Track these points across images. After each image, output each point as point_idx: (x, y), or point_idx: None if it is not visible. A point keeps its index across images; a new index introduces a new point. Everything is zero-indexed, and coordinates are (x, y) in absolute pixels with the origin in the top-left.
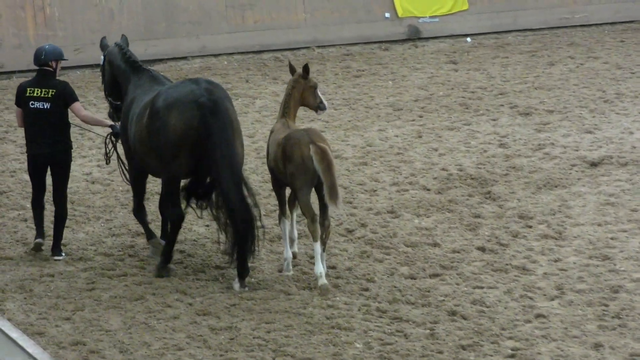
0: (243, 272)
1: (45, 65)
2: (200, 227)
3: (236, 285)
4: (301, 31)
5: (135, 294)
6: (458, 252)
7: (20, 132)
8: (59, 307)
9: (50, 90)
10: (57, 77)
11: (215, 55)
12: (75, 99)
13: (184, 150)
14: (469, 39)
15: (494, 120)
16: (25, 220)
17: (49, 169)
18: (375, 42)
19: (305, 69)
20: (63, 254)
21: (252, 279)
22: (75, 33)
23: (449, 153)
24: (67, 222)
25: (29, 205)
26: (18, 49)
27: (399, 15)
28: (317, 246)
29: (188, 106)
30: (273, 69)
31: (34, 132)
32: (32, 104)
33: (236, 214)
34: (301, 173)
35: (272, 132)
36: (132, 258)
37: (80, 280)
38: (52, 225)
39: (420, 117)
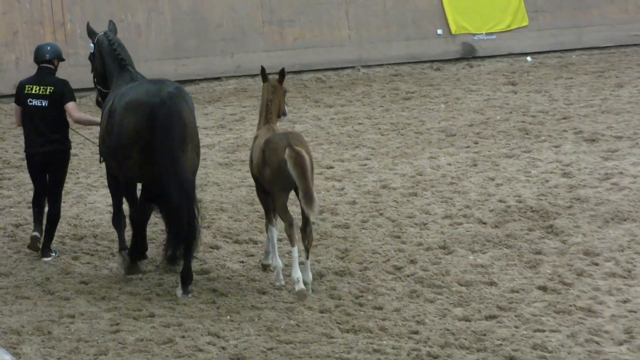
0: (186, 278)
1: (48, 62)
2: (234, 264)
3: (179, 292)
4: (345, 49)
5: (164, 337)
6: (517, 292)
7: None
8: (80, 351)
9: (49, 88)
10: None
11: (251, 76)
12: (71, 99)
13: (134, 151)
14: (529, 58)
15: (557, 147)
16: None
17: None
18: (426, 62)
19: (282, 73)
20: (53, 254)
21: (292, 321)
22: None
23: (507, 183)
24: (90, 259)
25: None
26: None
27: (453, 32)
28: (295, 251)
29: (139, 107)
30: (314, 91)
31: (31, 130)
32: (30, 102)
33: (177, 217)
34: (277, 177)
35: (255, 138)
36: (160, 297)
37: (103, 321)
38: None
39: (476, 143)
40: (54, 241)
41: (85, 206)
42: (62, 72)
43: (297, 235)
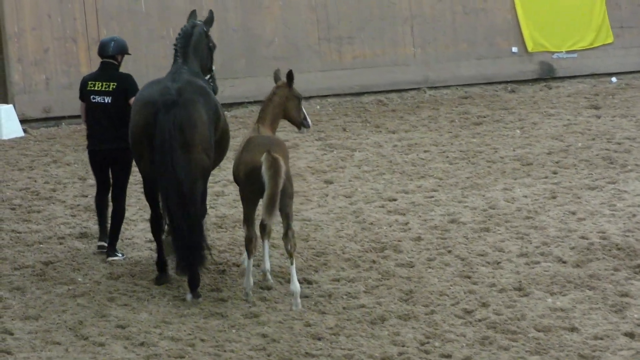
0: (192, 283)
1: (111, 57)
2: (286, 306)
3: (188, 296)
4: (410, 69)
5: None
6: (601, 339)
7: (70, 190)
8: None
9: (112, 84)
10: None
11: (306, 98)
12: (135, 94)
13: (144, 149)
14: (614, 79)
15: None
16: (75, 296)
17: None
18: (499, 82)
19: (289, 76)
20: (119, 255)
21: None
22: (137, 70)
23: (589, 217)
24: (128, 300)
25: (80, 279)
26: (68, 90)
27: (529, 49)
28: (250, 262)
29: (148, 104)
30: (375, 115)
31: (93, 127)
32: (93, 98)
33: (173, 221)
34: (248, 179)
35: (243, 139)
36: (204, 343)
37: None
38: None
39: (555, 173)
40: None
41: (122, 242)
42: None
43: (256, 248)
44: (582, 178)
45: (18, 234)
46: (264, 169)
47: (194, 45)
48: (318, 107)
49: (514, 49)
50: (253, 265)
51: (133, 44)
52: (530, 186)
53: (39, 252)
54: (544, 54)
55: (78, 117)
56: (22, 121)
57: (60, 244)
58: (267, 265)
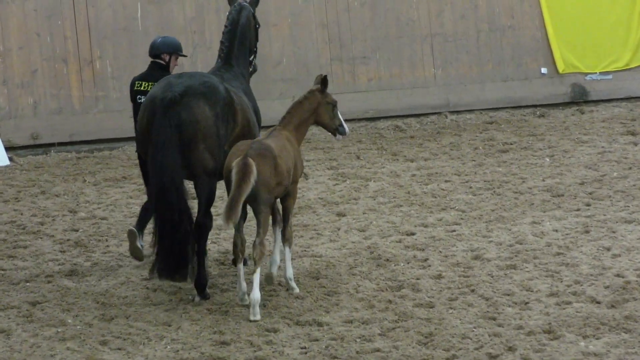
0: (199, 285)
1: (157, 57)
2: (294, 350)
3: (196, 298)
4: (429, 91)
5: None
6: None
7: (59, 223)
8: None
9: None
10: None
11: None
12: None
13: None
14: None
15: None
16: (65, 340)
17: None
18: (527, 106)
19: (324, 81)
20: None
21: None
22: None
23: (626, 254)
24: (122, 344)
25: (70, 321)
26: (57, 115)
27: (560, 71)
28: (240, 267)
29: (150, 103)
30: (392, 142)
31: None
32: (139, 99)
33: (156, 220)
34: (228, 184)
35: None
36: None
37: None
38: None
39: (588, 205)
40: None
41: (116, 280)
42: (90, 119)
43: (243, 253)
44: (617, 211)
45: (3, 272)
46: (233, 173)
47: (241, 35)
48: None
49: (544, 70)
50: (260, 275)
51: (129, 65)
52: (561, 219)
53: (26, 291)
54: (576, 75)
55: (68, 144)
56: (8, 148)
57: (49, 282)
58: (289, 273)
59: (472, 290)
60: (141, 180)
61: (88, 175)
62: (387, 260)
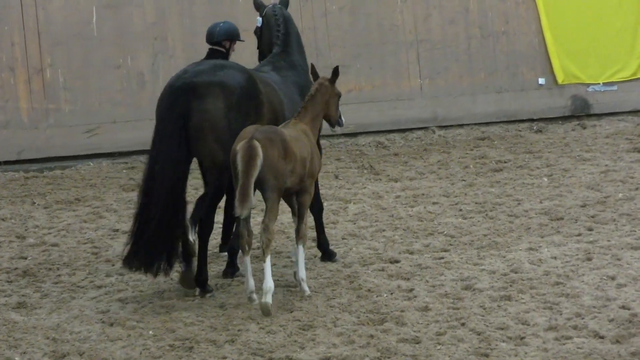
0: (199, 280)
1: (218, 44)
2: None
3: (197, 290)
4: (416, 104)
5: None
6: None
7: (6, 250)
8: None
9: None
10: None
11: None
12: None
13: None
14: None
15: None
16: None
17: None
18: (523, 121)
19: (335, 71)
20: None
21: None
22: (88, 107)
23: (632, 283)
24: None
25: (17, 358)
26: (3, 130)
27: (559, 81)
28: (247, 261)
29: (163, 89)
30: (375, 159)
31: None
32: None
33: (148, 213)
34: (234, 171)
35: None
36: None
37: None
38: None
39: (590, 230)
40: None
41: (69, 313)
42: (39, 135)
43: (250, 245)
44: (623, 236)
45: None
46: (238, 157)
47: (296, 34)
48: None
49: (541, 81)
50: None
51: (83, 74)
52: (560, 245)
53: None
54: (577, 86)
55: (15, 162)
56: None
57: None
58: (301, 274)
59: (463, 324)
60: (96, 203)
61: (37, 197)
62: (369, 290)
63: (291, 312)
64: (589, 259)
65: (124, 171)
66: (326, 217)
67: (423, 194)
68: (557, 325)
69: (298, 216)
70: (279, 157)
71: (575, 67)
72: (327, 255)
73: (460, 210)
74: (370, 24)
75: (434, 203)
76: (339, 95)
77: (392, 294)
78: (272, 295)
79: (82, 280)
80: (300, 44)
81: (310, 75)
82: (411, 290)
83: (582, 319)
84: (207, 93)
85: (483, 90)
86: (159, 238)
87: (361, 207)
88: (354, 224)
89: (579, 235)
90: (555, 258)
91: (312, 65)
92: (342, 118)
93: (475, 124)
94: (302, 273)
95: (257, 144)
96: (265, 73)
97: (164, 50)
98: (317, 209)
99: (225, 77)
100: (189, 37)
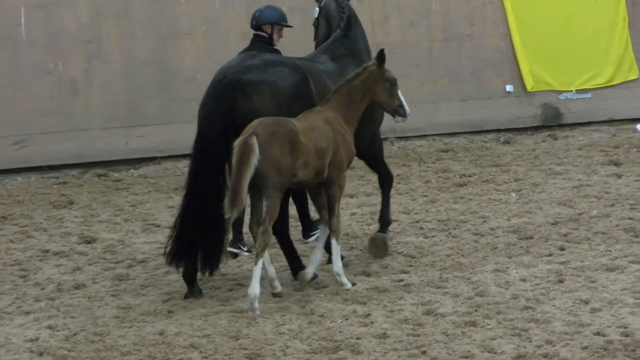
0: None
1: (259, 29)
2: None
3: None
4: None
5: None
6: None
7: None
8: None
9: None
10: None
11: None
12: None
13: None
14: (639, 126)
15: None
16: None
17: None
18: (490, 131)
19: (380, 54)
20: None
21: None
22: (15, 116)
23: (607, 308)
24: None
25: None
26: None
27: (528, 88)
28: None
29: (208, 89)
30: None
31: None
32: None
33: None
34: (229, 167)
35: None
36: None
37: None
38: None
39: (562, 250)
40: None
41: None
42: None
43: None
44: (597, 256)
45: None
46: (234, 153)
47: (358, 22)
48: None
49: (509, 88)
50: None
51: (10, 81)
52: (529, 267)
53: None
54: (548, 94)
55: None
56: None
57: None
58: (336, 268)
59: (424, 352)
60: (24, 221)
61: None
62: (322, 316)
63: (237, 339)
64: (561, 282)
65: (55, 187)
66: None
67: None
68: (526, 354)
69: (329, 210)
70: (283, 152)
71: (545, 73)
72: (382, 229)
73: (422, 228)
74: None
75: (392, 221)
76: (391, 81)
77: (347, 319)
78: (258, 303)
79: (9, 305)
80: (362, 32)
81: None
82: (368, 315)
83: (554, 346)
84: (255, 92)
85: (446, 98)
86: (203, 239)
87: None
88: (306, 243)
89: (550, 255)
90: (524, 280)
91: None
92: (406, 107)
93: (438, 134)
94: (338, 267)
95: (253, 140)
96: (321, 64)
97: (99, 54)
98: (387, 182)
99: (275, 76)
100: (127, 40)
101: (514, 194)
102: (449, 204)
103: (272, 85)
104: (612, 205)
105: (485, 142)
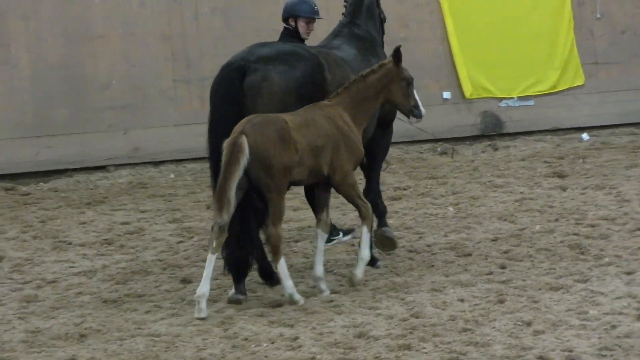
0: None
1: (286, 22)
2: None
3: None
4: None
5: None
6: None
7: None
8: None
9: None
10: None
11: (154, 164)
12: None
13: None
14: (585, 136)
15: (629, 274)
16: None
17: None
18: (426, 141)
19: (397, 52)
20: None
21: None
22: None
23: (550, 330)
24: None
25: None
26: None
27: (467, 95)
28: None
29: (217, 76)
30: None
31: None
32: None
33: None
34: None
35: None
36: None
37: None
38: None
39: (502, 268)
40: None
41: None
42: None
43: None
44: (540, 274)
45: None
46: (223, 154)
47: (367, 9)
48: (172, 175)
49: (446, 95)
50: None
51: None
52: (468, 286)
53: None
54: (488, 101)
55: None
56: None
57: None
58: (365, 253)
59: None
60: None
61: None
62: (246, 339)
63: None
64: (502, 302)
65: None
66: (196, 253)
67: (309, 226)
68: None
69: (356, 207)
70: (276, 151)
71: (485, 79)
72: (380, 221)
73: (353, 245)
74: (247, 28)
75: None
76: (407, 80)
77: (273, 343)
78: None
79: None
80: (372, 16)
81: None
82: (295, 338)
83: None
84: (265, 78)
85: None
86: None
87: None
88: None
89: (490, 274)
90: (462, 300)
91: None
92: (421, 108)
93: None
94: (365, 254)
95: (242, 140)
96: (337, 49)
97: (5, 58)
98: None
99: (286, 64)
100: (36, 43)
101: (451, 208)
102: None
103: (286, 70)
104: (556, 220)
105: (421, 152)
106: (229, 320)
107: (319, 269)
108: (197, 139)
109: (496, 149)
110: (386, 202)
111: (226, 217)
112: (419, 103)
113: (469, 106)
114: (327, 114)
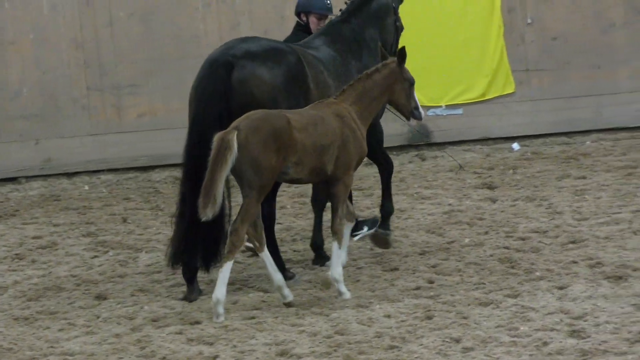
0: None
1: (298, 17)
2: None
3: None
4: None
5: None
6: None
7: None
8: None
9: None
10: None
11: (68, 175)
12: None
13: None
14: (516, 145)
15: (561, 289)
16: None
17: None
18: None
19: (401, 53)
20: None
21: None
22: None
23: (480, 347)
24: None
25: None
26: None
27: None
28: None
29: (201, 70)
30: (171, 199)
31: None
32: None
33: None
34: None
35: None
36: None
37: None
38: None
39: (430, 283)
40: None
41: None
42: None
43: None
44: (470, 289)
45: None
46: (211, 149)
47: (374, 12)
48: (86, 187)
49: None
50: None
51: None
52: (394, 301)
53: None
54: None
55: None
56: None
57: None
58: (336, 273)
59: None
60: None
61: None
62: (164, 358)
63: None
64: (429, 318)
65: None
66: (112, 269)
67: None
68: None
69: (332, 210)
70: (265, 150)
71: None
72: (384, 224)
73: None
74: (166, 34)
75: (242, 251)
76: (409, 82)
77: None
78: (222, 308)
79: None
80: (379, 21)
81: (380, 58)
82: (215, 357)
83: None
84: (254, 74)
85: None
86: (202, 234)
87: (156, 257)
88: (147, 276)
89: (418, 289)
90: (389, 317)
91: (381, 47)
92: (421, 110)
93: None
94: (337, 273)
95: (232, 136)
96: (313, 49)
97: None
98: (387, 171)
99: (272, 59)
100: None
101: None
102: (306, 232)
103: (272, 64)
104: (486, 233)
105: None
106: (145, 338)
107: (338, 270)
108: (112, 149)
109: (424, 160)
110: (310, 215)
111: (211, 214)
112: (419, 106)
113: (395, 115)
114: (336, 111)
